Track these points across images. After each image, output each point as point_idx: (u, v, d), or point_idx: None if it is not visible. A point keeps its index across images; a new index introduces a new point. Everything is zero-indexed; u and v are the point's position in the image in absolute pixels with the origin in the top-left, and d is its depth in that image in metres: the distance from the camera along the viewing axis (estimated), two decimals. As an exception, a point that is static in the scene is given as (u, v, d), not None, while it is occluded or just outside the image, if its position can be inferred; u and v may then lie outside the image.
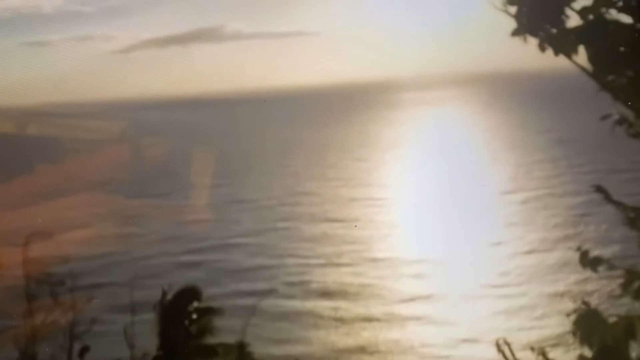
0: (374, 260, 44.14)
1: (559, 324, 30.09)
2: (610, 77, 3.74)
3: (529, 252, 43.90)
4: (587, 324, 5.30)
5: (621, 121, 3.89)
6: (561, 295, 35.90)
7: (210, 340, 6.90)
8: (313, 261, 44.50)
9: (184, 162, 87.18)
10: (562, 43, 3.78)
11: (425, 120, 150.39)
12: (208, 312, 6.84)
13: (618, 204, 5.54)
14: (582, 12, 3.61)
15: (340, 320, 34.64)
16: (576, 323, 5.37)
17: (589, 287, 35.19)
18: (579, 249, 4.90)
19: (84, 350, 6.61)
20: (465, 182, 67.33)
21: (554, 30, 3.76)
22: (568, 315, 5.53)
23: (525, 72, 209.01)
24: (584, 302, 5.36)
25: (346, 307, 36.24)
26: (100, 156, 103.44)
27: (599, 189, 5.10)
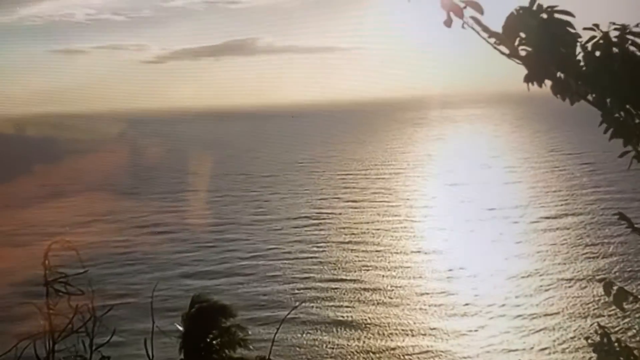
0: (397, 287, 44.35)
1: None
2: (621, 116, 4.19)
3: (565, 281, 43.93)
4: (608, 352, 5.85)
5: (639, 157, 4.32)
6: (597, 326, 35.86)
7: (233, 355, 7.33)
8: (333, 285, 44.83)
9: (206, 177, 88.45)
10: (569, 87, 4.25)
11: (454, 139, 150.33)
12: (233, 330, 7.23)
13: (641, 232, 6.03)
14: (588, 54, 4.06)
15: (360, 352, 34.90)
16: (596, 351, 5.93)
17: (628, 320, 35.36)
18: (603, 279, 5.37)
19: (104, 361, 7.21)
20: (495, 206, 67.35)
21: (562, 75, 4.23)
22: (587, 339, 6.09)
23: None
24: (600, 327, 5.92)
25: (366, 337, 36.52)
26: (111, 158, 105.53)
27: (622, 216, 5.66)
